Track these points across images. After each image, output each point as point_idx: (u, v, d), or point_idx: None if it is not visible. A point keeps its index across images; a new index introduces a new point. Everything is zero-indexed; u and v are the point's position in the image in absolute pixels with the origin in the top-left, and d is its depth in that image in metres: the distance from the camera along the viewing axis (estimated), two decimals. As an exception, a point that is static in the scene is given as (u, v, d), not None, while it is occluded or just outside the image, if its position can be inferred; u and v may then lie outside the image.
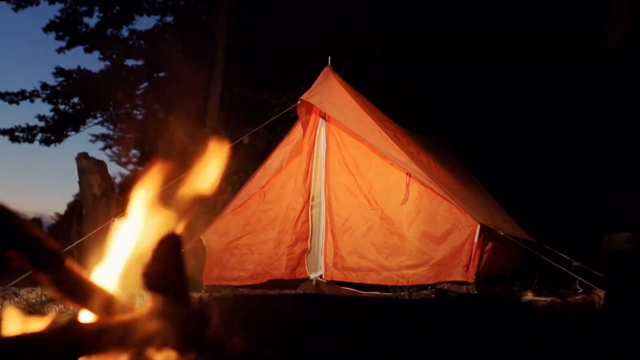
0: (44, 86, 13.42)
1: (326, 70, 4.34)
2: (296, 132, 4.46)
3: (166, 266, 0.89)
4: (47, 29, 13.27)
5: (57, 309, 2.42)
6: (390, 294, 3.40)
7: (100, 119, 14.56)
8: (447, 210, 3.72)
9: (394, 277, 3.77)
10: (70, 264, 0.86)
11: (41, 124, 13.53)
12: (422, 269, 3.70)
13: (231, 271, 4.36)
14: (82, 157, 5.89)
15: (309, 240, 4.17)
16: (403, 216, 3.88)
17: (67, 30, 13.33)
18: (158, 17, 13.32)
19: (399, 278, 3.74)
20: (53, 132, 13.67)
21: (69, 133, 13.95)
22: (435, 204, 3.78)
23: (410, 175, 3.91)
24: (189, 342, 0.90)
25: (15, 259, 0.81)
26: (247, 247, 4.35)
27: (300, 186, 4.20)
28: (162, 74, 13.45)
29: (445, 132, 6.45)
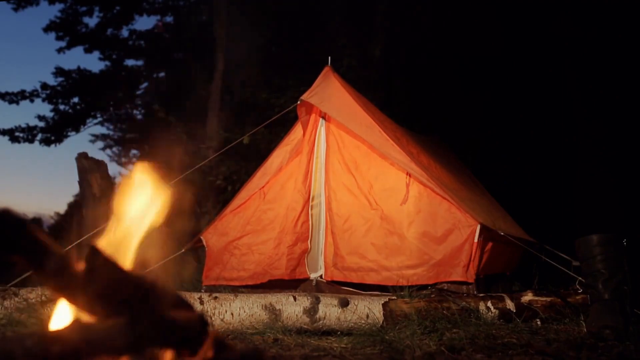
0: (44, 86, 13.45)
1: (326, 70, 4.34)
2: (296, 132, 4.46)
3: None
4: (47, 29, 13.30)
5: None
6: (390, 294, 3.40)
7: (100, 119, 14.57)
8: (447, 210, 3.72)
9: (394, 277, 3.77)
10: (77, 268, 0.85)
11: (41, 124, 13.57)
12: (422, 269, 3.70)
13: (231, 271, 4.36)
14: (82, 157, 5.89)
15: (309, 240, 4.17)
16: (403, 216, 3.88)
17: (67, 30, 13.36)
18: (158, 17, 13.34)
19: (399, 278, 3.74)
20: (53, 132, 13.70)
21: (69, 133, 13.96)
22: (435, 204, 3.78)
23: (410, 175, 3.91)
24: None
25: (20, 263, 0.81)
26: (247, 247, 4.35)
27: (300, 186, 4.20)
28: (162, 74, 13.46)
29: (445, 132, 6.45)
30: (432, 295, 3.33)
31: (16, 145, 13.38)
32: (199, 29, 11.84)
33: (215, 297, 2.68)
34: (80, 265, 0.85)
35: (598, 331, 2.36)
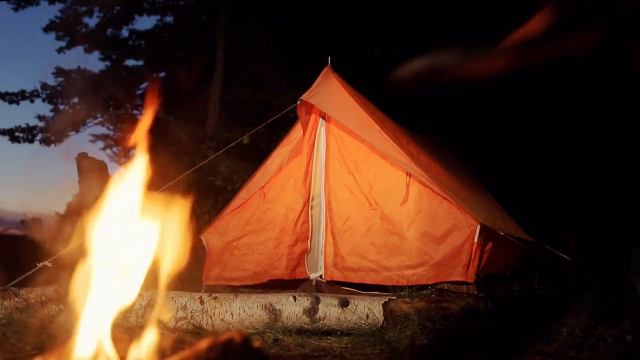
0: (44, 86, 13.43)
1: (326, 70, 4.34)
2: (296, 132, 4.46)
3: None
4: (47, 29, 13.27)
5: (56, 309, 2.43)
6: (390, 294, 3.40)
7: (100, 119, 14.55)
8: (447, 210, 3.72)
9: (394, 277, 3.77)
10: None
11: (41, 124, 13.54)
12: (422, 269, 3.70)
13: (231, 271, 4.36)
14: (82, 157, 5.88)
15: (309, 240, 4.17)
16: (403, 216, 3.88)
17: (67, 30, 13.33)
18: (158, 17, 13.33)
19: (399, 278, 3.74)
20: (53, 132, 13.67)
21: (69, 133, 13.95)
22: (435, 204, 3.78)
23: (410, 175, 3.91)
24: None
25: None
26: (247, 247, 4.35)
27: (300, 186, 4.20)
28: (162, 74, 13.45)
29: (445, 132, 6.45)
30: (432, 295, 3.33)
31: (16, 145, 13.37)
32: (199, 29, 11.83)
33: (215, 297, 2.68)
34: None
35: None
